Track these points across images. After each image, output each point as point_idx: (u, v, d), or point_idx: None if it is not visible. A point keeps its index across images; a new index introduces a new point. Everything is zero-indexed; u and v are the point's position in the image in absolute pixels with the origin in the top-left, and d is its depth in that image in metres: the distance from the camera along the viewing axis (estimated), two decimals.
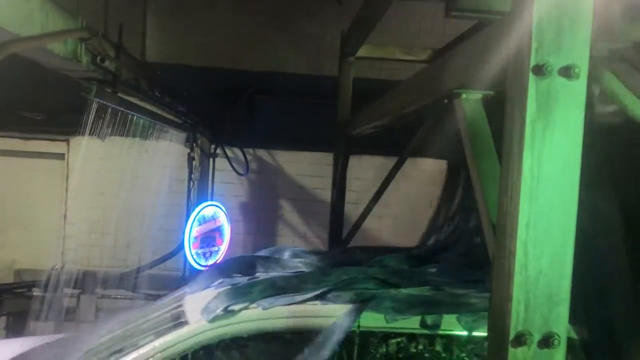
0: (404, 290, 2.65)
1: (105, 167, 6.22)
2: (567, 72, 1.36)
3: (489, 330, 1.51)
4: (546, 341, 1.36)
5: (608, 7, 1.80)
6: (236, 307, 2.57)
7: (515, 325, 1.37)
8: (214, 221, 6.21)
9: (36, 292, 5.87)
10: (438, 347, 2.46)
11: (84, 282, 6.37)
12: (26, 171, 7.11)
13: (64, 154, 6.94)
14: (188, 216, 6.02)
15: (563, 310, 1.38)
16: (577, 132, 1.38)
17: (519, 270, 1.37)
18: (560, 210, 1.38)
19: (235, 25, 6.84)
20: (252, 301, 2.61)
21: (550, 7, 1.36)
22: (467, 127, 1.98)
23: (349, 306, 2.52)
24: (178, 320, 2.73)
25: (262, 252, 3.72)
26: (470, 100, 2.04)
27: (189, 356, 2.50)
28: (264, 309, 2.55)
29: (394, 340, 2.48)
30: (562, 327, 1.37)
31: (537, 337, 1.37)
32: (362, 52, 5.18)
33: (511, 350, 1.37)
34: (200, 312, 2.62)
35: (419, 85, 2.90)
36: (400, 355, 2.47)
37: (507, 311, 1.38)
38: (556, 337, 1.36)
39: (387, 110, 3.62)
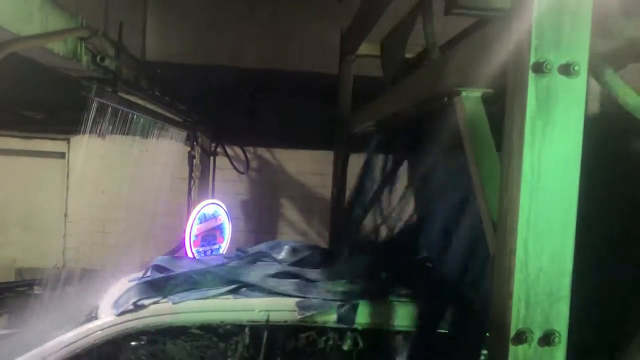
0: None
1: (106, 165, 6.23)
2: (567, 69, 1.36)
3: (489, 328, 1.51)
4: (547, 338, 1.37)
5: (606, 4, 1.80)
6: (146, 302, 2.57)
7: (516, 323, 1.37)
8: (214, 219, 6.20)
9: (37, 290, 5.87)
10: (348, 341, 2.44)
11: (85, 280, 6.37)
12: (27, 170, 7.11)
13: (64, 153, 6.94)
14: (189, 214, 6.02)
15: (564, 308, 1.38)
16: (577, 129, 1.38)
17: (519, 268, 1.37)
18: (560, 207, 1.38)
19: (235, 23, 6.84)
20: (164, 296, 2.60)
21: (550, 4, 1.36)
22: (467, 125, 1.97)
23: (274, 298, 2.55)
24: (90, 315, 2.73)
25: (262, 247, 3.71)
26: (470, 98, 2.04)
27: (95, 350, 2.47)
28: (174, 303, 2.55)
29: (303, 335, 2.46)
30: (562, 324, 1.37)
31: (537, 334, 1.37)
32: (362, 50, 5.17)
33: (512, 347, 1.37)
34: (111, 306, 2.62)
35: (419, 83, 2.89)
36: (310, 349, 2.46)
37: (507, 309, 1.38)
38: (557, 334, 1.36)
39: (387, 108, 3.62)
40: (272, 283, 2.64)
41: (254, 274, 2.78)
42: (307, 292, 2.56)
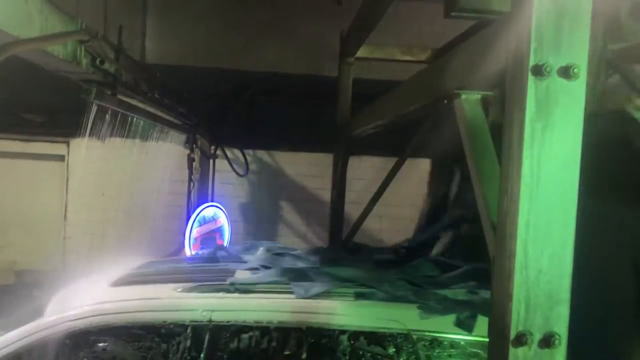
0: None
1: (106, 168, 6.23)
2: (566, 72, 1.36)
3: (489, 330, 1.51)
4: (547, 341, 1.36)
5: (615, 7, 1.81)
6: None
7: (515, 325, 1.37)
8: (214, 222, 6.21)
9: (37, 293, 5.87)
10: (292, 342, 2.42)
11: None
12: (27, 173, 7.11)
13: (64, 156, 6.95)
14: (188, 217, 6.02)
15: (563, 310, 1.38)
16: (576, 132, 1.38)
17: (519, 270, 1.37)
18: (560, 209, 1.38)
19: (234, 26, 6.85)
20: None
21: (549, 7, 1.36)
22: (466, 127, 1.98)
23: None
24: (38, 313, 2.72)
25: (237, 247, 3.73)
26: (470, 101, 2.04)
27: (37, 350, 2.45)
28: (300, 297, 2.56)
29: (246, 335, 2.44)
30: (562, 326, 1.37)
31: (537, 336, 1.37)
32: (361, 52, 5.18)
33: (512, 350, 1.37)
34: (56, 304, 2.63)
35: (418, 85, 2.90)
36: (252, 350, 2.43)
37: (507, 311, 1.38)
38: (557, 336, 1.36)
39: (386, 111, 3.62)
40: (388, 287, 2.64)
41: (368, 276, 2.79)
42: (426, 299, 2.54)
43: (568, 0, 1.36)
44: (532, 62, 1.36)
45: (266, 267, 3.10)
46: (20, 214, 7.04)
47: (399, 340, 2.38)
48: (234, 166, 6.83)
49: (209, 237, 6.12)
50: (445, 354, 2.35)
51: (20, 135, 6.88)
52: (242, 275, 2.92)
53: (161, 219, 6.28)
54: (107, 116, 3.18)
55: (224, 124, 6.72)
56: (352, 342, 2.40)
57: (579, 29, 1.37)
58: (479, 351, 2.33)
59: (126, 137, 3.85)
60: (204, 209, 6.08)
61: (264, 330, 2.43)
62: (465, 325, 2.35)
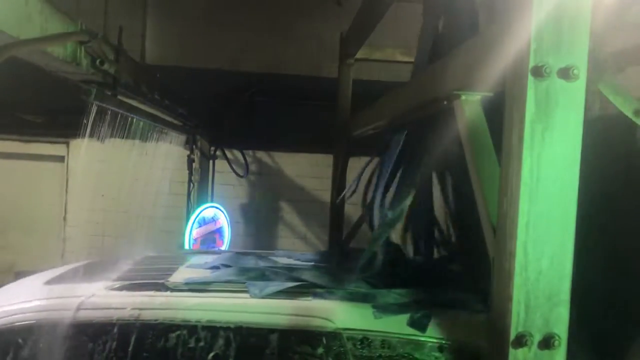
0: None
1: (105, 169, 6.23)
2: (566, 73, 1.36)
3: (489, 331, 1.51)
4: (547, 342, 1.37)
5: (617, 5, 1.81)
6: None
7: (515, 326, 1.37)
8: (214, 223, 6.22)
9: None
10: (220, 341, 2.37)
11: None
12: (26, 174, 7.11)
13: (63, 157, 6.95)
14: (188, 218, 6.02)
15: (563, 311, 1.38)
16: (576, 133, 1.38)
17: (519, 271, 1.37)
18: (559, 210, 1.38)
19: (234, 27, 6.85)
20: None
21: (549, 8, 1.36)
22: (466, 128, 1.98)
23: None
24: None
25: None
26: (470, 102, 2.04)
27: None
28: (254, 295, 2.52)
29: (173, 334, 2.39)
30: (562, 327, 1.38)
31: (537, 337, 1.37)
32: (361, 53, 5.18)
33: (512, 351, 1.37)
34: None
35: (418, 86, 2.90)
36: (181, 350, 2.38)
37: (507, 312, 1.38)
38: (556, 337, 1.36)
39: (386, 112, 3.62)
40: (346, 287, 2.63)
41: (324, 277, 2.78)
42: (384, 298, 2.53)
43: (568, 2, 1.36)
44: (532, 63, 1.37)
45: (226, 266, 3.09)
46: (19, 214, 7.04)
47: (328, 339, 2.33)
48: (234, 167, 6.83)
49: (209, 237, 6.12)
50: (377, 353, 2.31)
51: (20, 136, 6.88)
52: (186, 274, 2.89)
53: (161, 220, 6.27)
54: (107, 117, 3.17)
55: (223, 125, 6.72)
56: (281, 341, 2.36)
57: (579, 31, 1.37)
58: (411, 351, 2.29)
59: (126, 138, 3.85)
60: (203, 209, 6.08)
61: (192, 329, 2.38)
62: (419, 325, 2.33)
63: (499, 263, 1.46)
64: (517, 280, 1.36)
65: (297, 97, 6.74)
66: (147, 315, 2.41)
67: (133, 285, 2.62)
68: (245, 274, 2.87)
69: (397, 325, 2.34)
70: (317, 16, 6.79)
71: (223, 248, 6.29)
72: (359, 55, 5.20)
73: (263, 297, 2.49)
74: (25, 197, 7.08)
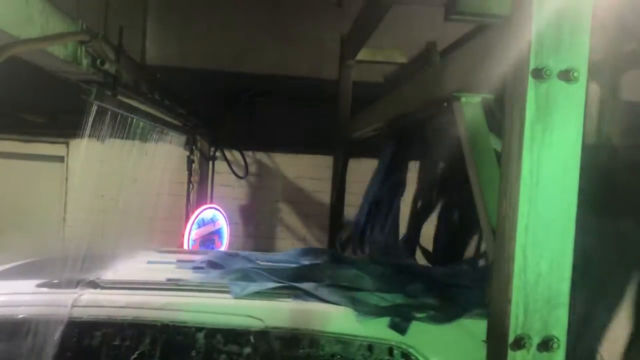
0: None
1: (105, 169, 6.22)
2: (566, 75, 1.36)
3: (488, 334, 1.51)
4: (545, 344, 1.36)
5: (620, 6, 1.81)
6: None
7: (514, 329, 1.37)
8: (213, 224, 6.21)
9: None
10: (147, 339, 2.33)
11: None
12: (26, 174, 7.11)
13: (63, 157, 6.94)
14: (187, 219, 6.02)
15: (562, 314, 1.38)
16: (576, 135, 1.38)
17: (518, 274, 1.37)
18: (559, 213, 1.38)
19: (235, 28, 6.85)
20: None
21: (549, 10, 1.36)
22: (466, 130, 1.98)
23: None
24: None
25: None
26: (470, 104, 2.04)
27: None
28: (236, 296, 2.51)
29: (99, 332, 2.35)
30: (561, 330, 1.37)
31: (536, 340, 1.37)
32: (362, 55, 5.19)
33: (510, 353, 1.36)
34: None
35: (418, 88, 2.90)
36: (106, 348, 2.34)
37: (506, 314, 1.38)
38: (555, 340, 1.36)
39: (386, 114, 3.63)
40: (324, 290, 2.61)
41: (306, 283, 2.77)
42: (363, 303, 2.52)
43: (568, 4, 1.36)
44: (532, 66, 1.36)
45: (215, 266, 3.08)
46: (19, 214, 7.03)
47: (256, 338, 2.30)
48: (234, 168, 6.83)
49: (208, 238, 6.12)
50: (305, 352, 2.29)
51: (19, 136, 6.88)
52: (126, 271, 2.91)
53: (160, 221, 6.27)
54: (107, 117, 3.17)
55: (223, 125, 6.72)
56: (208, 339, 2.32)
57: (579, 33, 1.37)
58: (340, 350, 2.27)
59: (126, 138, 3.85)
60: (203, 210, 6.08)
61: (118, 326, 2.35)
62: (399, 328, 2.33)
63: (498, 265, 1.45)
64: (516, 282, 1.36)
65: (297, 99, 6.75)
66: (74, 313, 2.37)
67: (62, 283, 2.58)
68: (231, 274, 2.86)
69: (326, 324, 2.32)
70: (318, 18, 6.80)
71: (222, 249, 6.28)
72: (359, 57, 5.22)
73: (243, 297, 2.47)
74: (25, 197, 7.08)
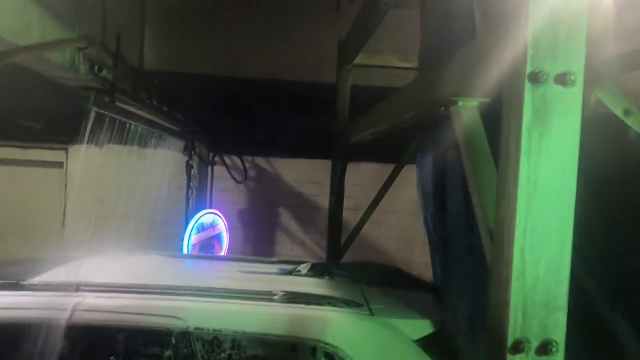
0: None
1: (104, 175, 6.23)
2: (563, 79, 1.36)
3: (486, 338, 1.51)
4: (544, 348, 1.36)
5: (616, 9, 1.82)
6: None
7: (513, 333, 1.37)
8: (212, 229, 6.21)
9: None
10: (65, 341, 2.28)
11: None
12: (25, 180, 7.10)
13: (62, 163, 6.94)
14: (187, 224, 6.02)
15: (561, 317, 1.38)
16: (573, 139, 1.39)
17: (516, 277, 1.37)
18: (557, 216, 1.38)
19: (233, 33, 6.86)
20: None
21: (545, 14, 1.37)
22: (464, 134, 1.98)
23: None
24: None
25: None
26: (467, 108, 2.04)
27: None
28: None
29: (13, 333, 2.30)
30: (560, 334, 1.37)
31: (535, 344, 1.37)
32: (359, 59, 5.20)
33: (509, 357, 1.37)
34: None
35: (416, 92, 2.90)
36: (21, 349, 2.28)
37: (504, 318, 1.38)
38: (554, 344, 1.36)
39: (385, 118, 3.63)
40: None
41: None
42: None
43: (564, 8, 1.37)
44: (529, 70, 1.37)
45: None
46: (18, 221, 7.03)
47: (177, 340, 2.26)
48: (233, 173, 6.83)
49: (208, 244, 6.12)
50: (227, 353, 2.26)
51: (18, 143, 6.87)
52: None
53: (160, 226, 6.27)
54: (106, 123, 3.18)
55: (222, 130, 6.72)
56: (128, 341, 2.27)
57: (576, 37, 1.38)
58: (263, 350, 2.25)
59: (125, 144, 3.85)
60: (202, 216, 6.08)
61: (36, 328, 2.28)
62: None
63: (497, 269, 1.46)
64: (515, 286, 1.36)
65: (295, 103, 6.75)
66: None
67: None
68: None
69: (249, 324, 2.30)
70: (316, 22, 6.81)
71: (221, 254, 6.29)
72: (357, 61, 5.22)
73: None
74: (24, 203, 7.07)
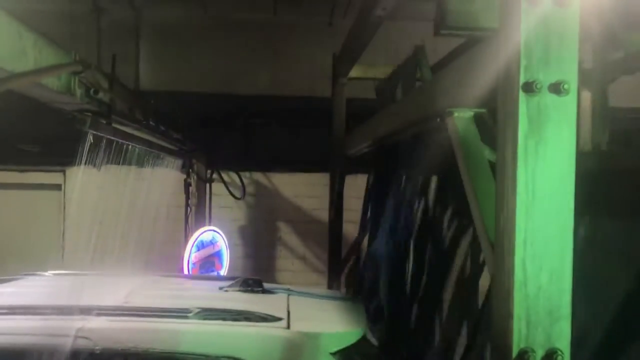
0: None
1: (102, 196, 6.22)
2: (556, 88, 1.37)
3: (490, 349, 1.50)
4: (549, 357, 1.36)
5: (608, 16, 1.83)
6: None
7: (517, 343, 1.36)
8: (212, 246, 6.20)
9: None
10: None
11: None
12: (23, 203, 7.10)
13: (60, 185, 6.94)
14: (186, 242, 6.00)
15: (565, 326, 1.37)
16: (569, 146, 1.39)
17: (518, 287, 1.37)
18: (556, 225, 1.38)
19: (228, 50, 6.89)
20: None
21: (537, 23, 1.37)
22: (460, 144, 1.99)
23: None
24: None
25: None
26: (462, 118, 2.05)
27: None
28: None
29: None
30: (564, 342, 1.37)
31: (540, 353, 1.36)
32: (354, 72, 5.22)
33: None
34: None
35: (411, 104, 2.92)
36: None
37: (508, 329, 1.38)
38: (559, 352, 1.36)
39: (380, 130, 3.64)
40: None
41: None
42: None
43: (556, 18, 1.38)
44: (522, 79, 1.38)
45: None
46: (17, 243, 7.01)
47: (84, 358, 2.24)
48: (231, 189, 6.83)
49: (208, 261, 6.10)
50: None
51: (16, 166, 6.88)
52: None
53: (159, 245, 6.24)
54: (103, 144, 3.18)
55: (219, 147, 6.73)
56: None
57: (568, 46, 1.39)
58: None
59: (122, 164, 3.85)
60: (201, 233, 6.06)
61: None
62: None
63: (498, 280, 1.45)
64: (517, 296, 1.36)
65: (292, 118, 6.77)
66: None
67: None
68: None
69: (160, 342, 2.30)
70: (310, 37, 6.85)
71: (222, 271, 6.27)
72: (352, 74, 5.24)
73: None
74: (23, 226, 7.06)
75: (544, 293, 1.36)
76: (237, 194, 6.88)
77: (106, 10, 6.34)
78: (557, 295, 1.37)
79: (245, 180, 6.92)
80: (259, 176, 7.09)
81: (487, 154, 1.92)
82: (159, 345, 2.28)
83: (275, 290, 3.21)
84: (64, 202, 6.97)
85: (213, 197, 6.91)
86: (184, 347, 2.30)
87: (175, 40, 6.89)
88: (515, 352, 1.36)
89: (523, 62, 1.38)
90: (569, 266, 1.37)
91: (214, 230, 6.27)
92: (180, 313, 2.51)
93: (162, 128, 4.47)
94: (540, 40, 1.38)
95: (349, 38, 4.59)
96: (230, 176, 6.93)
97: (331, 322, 2.70)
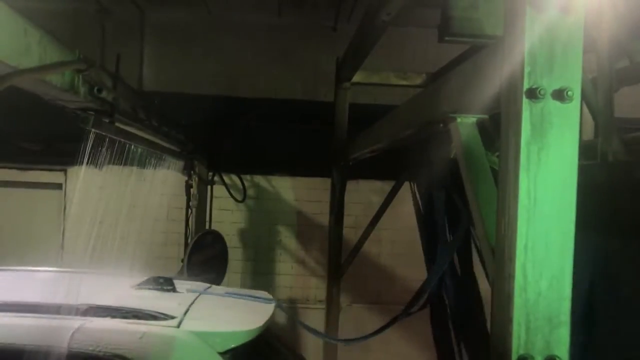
0: None
1: (103, 196, 6.22)
2: (560, 95, 1.37)
3: (490, 354, 1.50)
4: None
5: (613, 25, 1.83)
6: None
7: (516, 349, 1.36)
8: (212, 248, 6.18)
9: None
10: None
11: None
12: (24, 201, 7.10)
13: (61, 184, 6.94)
14: (187, 244, 6.00)
15: (564, 332, 1.37)
16: (572, 153, 1.39)
17: (518, 293, 1.36)
18: (557, 231, 1.38)
19: (231, 53, 6.90)
20: None
21: (541, 31, 1.38)
22: (462, 150, 1.99)
23: None
24: None
25: None
26: (465, 124, 2.05)
27: None
28: None
29: None
30: (563, 349, 1.37)
31: (539, 359, 1.36)
32: (357, 77, 5.23)
33: None
34: None
35: (414, 110, 2.92)
36: None
37: (508, 334, 1.38)
38: (558, 359, 1.36)
39: (383, 135, 3.64)
40: None
41: None
42: None
43: (560, 25, 1.38)
44: (526, 86, 1.38)
45: None
46: (17, 242, 7.01)
47: None
48: (232, 192, 6.83)
49: (208, 263, 6.09)
50: None
51: (17, 164, 6.88)
52: None
53: (159, 246, 6.25)
54: (105, 144, 3.18)
55: (221, 150, 6.73)
56: None
57: (572, 53, 1.39)
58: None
59: (124, 164, 3.85)
60: (202, 235, 6.06)
61: None
62: None
63: (499, 285, 1.45)
64: (517, 302, 1.36)
65: (294, 121, 6.77)
66: None
67: None
68: None
69: (39, 338, 2.30)
70: (313, 41, 6.86)
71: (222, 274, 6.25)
72: (355, 79, 5.26)
73: None
74: (23, 224, 7.06)
75: (543, 299, 1.36)
76: (238, 196, 6.88)
77: (110, 10, 6.35)
78: (556, 301, 1.37)
79: (246, 183, 6.92)
80: (260, 179, 7.09)
81: (490, 159, 1.93)
82: (40, 342, 2.30)
83: (192, 290, 3.28)
84: (65, 202, 6.97)
85: (214, 200, 6.91)
86: (64, 343, 2.30)
87: (179, 42, 6.91)
88: (514, 358, 1.36)
89: (527, 69, 1.38)
90: (569, 273, 1.37)
91: (215, 233, 6.26)
92: (68, 310, 2.53)
93: (165, 128, 4.47)
94: (545, 46, 1.38)
95: (352, 43, 4.60)
96: (232, 179, 6.93)
97: (227, 321, 2.73)
